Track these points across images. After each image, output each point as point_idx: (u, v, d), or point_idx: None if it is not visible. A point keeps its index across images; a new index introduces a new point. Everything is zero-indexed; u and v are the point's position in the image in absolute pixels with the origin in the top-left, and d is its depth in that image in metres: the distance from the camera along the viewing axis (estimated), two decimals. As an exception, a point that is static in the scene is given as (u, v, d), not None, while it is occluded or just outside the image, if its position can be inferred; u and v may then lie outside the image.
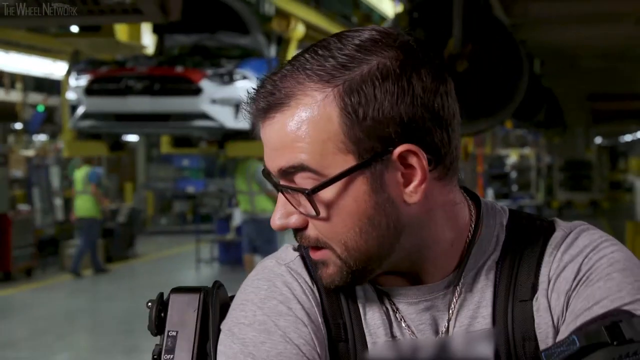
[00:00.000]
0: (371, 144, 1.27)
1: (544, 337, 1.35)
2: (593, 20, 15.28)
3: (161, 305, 1.45)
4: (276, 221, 1.32)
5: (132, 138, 21.83)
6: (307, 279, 1.43)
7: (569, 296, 1.34)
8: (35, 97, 22.54)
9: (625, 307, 1.29)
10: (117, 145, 11.48)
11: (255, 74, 10.15)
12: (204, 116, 9.84)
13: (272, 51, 10.58)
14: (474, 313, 1.39)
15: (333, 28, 11.53)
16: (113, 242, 16.95)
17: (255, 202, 11.64)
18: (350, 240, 1.31)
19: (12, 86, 23.19)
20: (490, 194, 19.43)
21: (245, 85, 10.01)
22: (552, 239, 1.40)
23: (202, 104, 9.80)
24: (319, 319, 1.41)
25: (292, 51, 10.52)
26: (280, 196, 1.32)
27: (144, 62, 10.26)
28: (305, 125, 1.26)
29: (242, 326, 1.39)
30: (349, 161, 1.27)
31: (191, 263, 15.91)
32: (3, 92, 22.36)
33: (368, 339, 1.41)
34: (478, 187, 17.45)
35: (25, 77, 22.50)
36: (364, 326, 1.42)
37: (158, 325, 1.46)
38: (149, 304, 1.45)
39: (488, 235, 1.42)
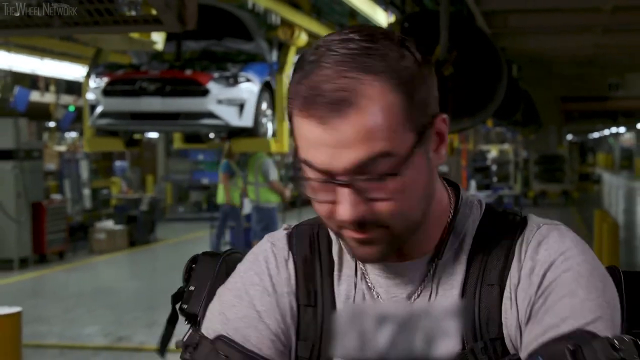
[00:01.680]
0: (422, 120, 1.28)
1: (509, 326, 1.33)
2: (565, 31, 15.26)
3: (193, 263, 1.55)
4: (351, 214, 1.25)
5: (152, 135, 21.81)
6: (285, 253, 1.46)
7: (534, 302, 1.30)
8: (66, 99, 22.49)
9: (588, 327, 1.26)
10: (132, 141, 11.42)
11: (257, 77, 10.12)
12: (211, 115, 9.80)
13: (274, 56, 10.56)
14: (445, 292, 1.37)
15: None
16: (136, 227, 16.94)
17: (260, 193, 11.63)
18: (413, 214, 1.31)
19: (47, 89, 23.17)
20: (473, 185, 19.43)
21: (248, 87, 9.99)
22: (524, 232, 1.37)
23: (209, 104, 9.75)
24: (287, 289, 1.43)
25: (292, 56, 10.49)
26: (346, 192, 1.25)
27: (156, 66, 10.24)
28: (376, 115, 1.23)
29: (226, 290, 1.45)
30: (411, 138, 1.26)
31: (205, 247, 15.91)
32: (39, 94, 22.33)
33: (338, 305, 1.41)
34: (462, 179, 17.46)
35: (58, 80, 22.48)
36: (336, 293, 1.41)
37: (187, 279, 1.55)
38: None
39: (464, 222, 1.40)
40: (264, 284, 1.44)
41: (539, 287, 1.31)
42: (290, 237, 1.48)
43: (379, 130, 1.23)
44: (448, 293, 1.37)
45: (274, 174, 11.57)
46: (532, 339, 1.29)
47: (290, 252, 1.46)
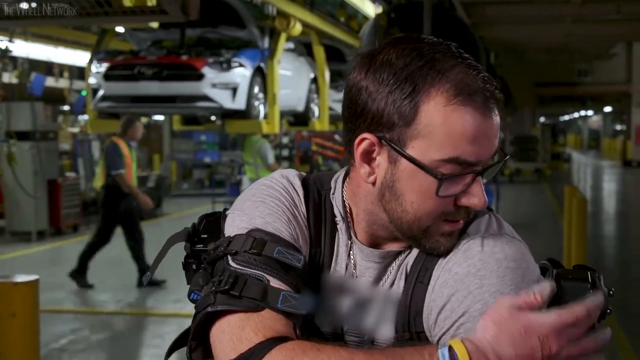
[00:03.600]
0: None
1: (424, 321, 1.33)
2: (538, 21, 15.24)
3: (201, 219, 1.51)
4: (483, 201, 1.29)
5: (158, 117, 21.75)
6: (301, 193, 1.44)
7: (442, 321, 1.29)
8: (79, 84, 22.42)
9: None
10: None
11: (249, 62, 10.05)
12: (206, 98, 9.73)
13: (266, 43, 10.48)
14: (398, 283, 1.39)
15: (324, 26, 11.47)
16: (144, 203, 16.91)
17: (260, 173, 11.61)
18: None
19: (61, 75, 23.08)
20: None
21: (241, 72, 9.92)
22: (461, 239, 1.34)
23: (204, 87, 9.68)
24: (302, 221, 1.41)
25: (283, 43, 10.43)
26: (479, 178, 1.29)
27: (154, 52, 10.17)
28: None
29: (242, 202, 1.42)
30: None
31: (208, 220, 15.90)
32: (53, 80, 22.25)
33: (333, 265, 1.43)
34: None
35: (72, 67, 22.39)
36: (334, 255, 1.43)
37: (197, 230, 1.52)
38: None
39: None
40: (286, 198, 1.41)
41: (444, 305, 1.29)
42: (304, 183, 1.46)
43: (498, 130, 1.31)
44: (400, 285, 1.38)
45: (271, 157, 11.53)
46: (440, 327, 1.29)
47: (304, 195, 1.44)
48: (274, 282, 1.28)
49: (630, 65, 32.32)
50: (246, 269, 1.29)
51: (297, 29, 10.37)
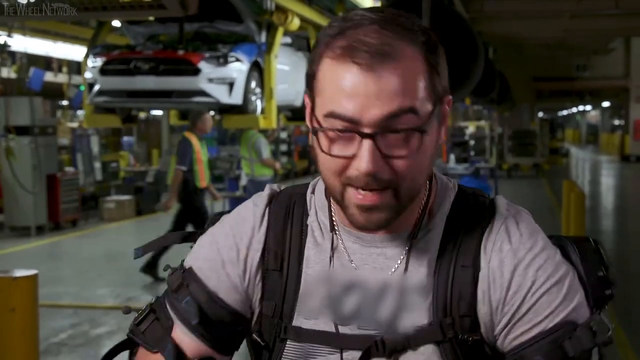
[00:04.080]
0: (438, 93, 1.28)
1: (482, 309, 1.32)
2: (536, 16, 15.24)
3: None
4: (370, 166, 1.21)
5: (157, 112, 21.72)
6: (261, 215, 1.43)
7: (510, 297, 1.30)
8: (78, 79, 22.40)
9: (569, 318, 1.28)
10: (129, 118, 11.26)
11: (246, 57, 10.00)
12: (202, 93, 9.63)
13: (263, 37, 10.42)
14: (418, 268, 1.34)
15: (322, 21, 11.45)
16: (143, 198, 16.92)
17: (255, 168, 11.59)
18: (419, 177, 1.29)
19: (60, 70, 23.06)
20: (452, 158, 19.42)
21: (237, 67, 9.86)
22: (494, 220, 1.35)
23: (200, 82, 9.58)
24: (256, 249, 1.41)
25: (280, 37, 10.39)
26: (369, 144, 1.21)
27: (150, 47, 10.12)
28: (412, 74, 1.23)
29: (209, 233, 1.47)
30: (431, 106, 1.26)
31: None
32: (52, 75, 22.24)
33: (305, 270, 1.38)
34: (443, 153, 17.45)
35: (70, 62, 22.36)
36: (305, 258, 1.38)
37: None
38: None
39: (440, 204, 1.38)
40: (235, 240, 1.42)
41: (510, 281, 1.30)
42: (271, 200, 1.45)
43: (411, 88, 1.23)
44: (421, 270, 1.33)
45: (266, 152, 11.51)
46: (518, 334, 1.29)
47: (266, 215, 1.43)
48: (177, 329, 1.40)
49: (629, 60, 32.33)
50: (167, 307, 1.42)
51: (295, 23, 10.34)
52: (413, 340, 1.31)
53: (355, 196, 1.25)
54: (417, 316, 1.32)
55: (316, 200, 1.42)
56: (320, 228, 1.39)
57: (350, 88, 1.21)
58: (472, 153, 25.12)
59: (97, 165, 18.10)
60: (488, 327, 1.32)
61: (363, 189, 1.24)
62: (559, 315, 1.28)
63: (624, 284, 9.08)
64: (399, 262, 1.34)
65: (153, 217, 16.48)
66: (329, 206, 1.39)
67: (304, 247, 1.39)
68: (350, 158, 1.23)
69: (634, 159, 33.22)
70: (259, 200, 1.46)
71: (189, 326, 1.39)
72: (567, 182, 9.52)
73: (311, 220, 1.40)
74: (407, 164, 1.24)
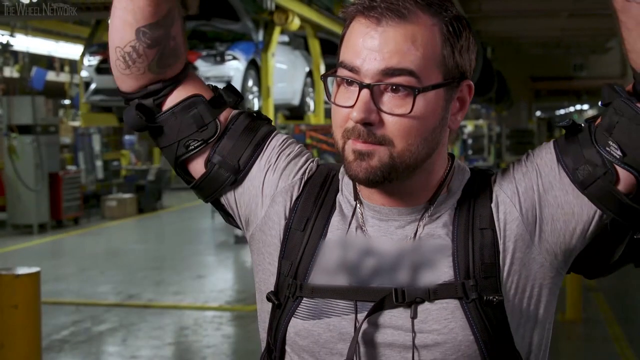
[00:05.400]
0: (454, 71, 1.31)
1: (513, 263, 1.33)
2: (534, 15, 15.23)
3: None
4: (362, 114, 1.26)
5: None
6: (308, 171, 1.46)
7: (532, 212, 1.33)
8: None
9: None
10: None
11: (243, 55, 9.93)
12: None
13: (260, 35, 10.36)
14: (435, 234, 1.35)
15: (321, 20, 11.45)
16: (144, 196, 16.93)
17: None
18: (414, 143, 1.30)
19: (62, 69, 23.04)
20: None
21: (234, 65, 9.79)
22: (496, 177, 1.40)
23: None
24: (293, 192, 1.44)
25: (277, 36, 10.34)
26: (364, 94, 1.26)
27: None
28: (420, 40, 1.27)
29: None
30: (439, 78, 1.29)
31: (207, 213, 15.92)
32: (54, 74, 22.21)
33: (329, 235, 1.39)
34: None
35: (72, 61, 22.32)
36: (330, 226, 1.40)
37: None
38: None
39: (457, 184, 1.40)
40: (298, 160, 1.47)
41: (516, 187, 1.35)
42: (317, 166, 1.48)
43: (415, 51, 1.26)
44: (440, 234, 1.35)
45: None
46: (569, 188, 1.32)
47: (310, 172, 1.46)
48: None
49: (626, 59, 32.31)
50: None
51: (296, 23, 10.33)
52: (434, 293, 1.31)
53: (352, 144, 1.30)
54: (438, 273, 1.32)
55: (345, 179, 1.45)
56: (346, 201, 1.42)
57: (359, 40, 1.28)
58: (470, 152, 25.15)
59: (99, 163, 18.11)
60: (534, 239, 1.33)
61: (358, 138, 1.29)
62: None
63: (618, 281, 9.08)
64: (415, 231, 1.36)
65: (154, 215, 16.50)
66: (354, 183, 1.42)
67: (331, 216, 1.41)
68: (351, 108, 1.28)
69: (631, 157, 33.19)
70: (313, 158, 1.50)
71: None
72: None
73: (339, 197, 1.43)
74: (400, 123, 1.27)
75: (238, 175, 1.44)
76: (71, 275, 9.63)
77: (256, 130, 1.46)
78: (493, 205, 1.35)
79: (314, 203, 1.42)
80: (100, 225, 15.13)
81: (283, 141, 1.47)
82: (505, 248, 1.33)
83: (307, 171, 1.45)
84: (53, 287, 8.92)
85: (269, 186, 1.44)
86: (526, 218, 1.33)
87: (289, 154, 1.46)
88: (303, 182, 1.44)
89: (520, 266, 1.33)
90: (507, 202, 1.34)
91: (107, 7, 6.26)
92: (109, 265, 10.79)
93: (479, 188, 1.39)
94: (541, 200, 1.33)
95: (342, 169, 1.46)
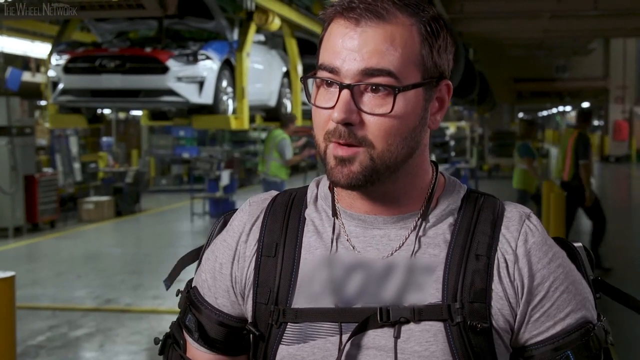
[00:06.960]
0: (433, 71, 1.33)
1: (497, 298, 1.33)
2: (516, 17, 15.30)
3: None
4: (341, 114, 1.27)
5: (137, 112, 21.63)
6: (258, 212, 1.46)
7: (531, 290, 1.33)
8: (56, 79, 22.25)
9: (587, 318, 1.35)
10: (96, 118, 10.98)
11: (217, 55, 9.81)
12: (171, 92, 9.39)
13: (235, 35, 10.25)
14: (427, 251, 1.35)
15: (301, 20, 11.41)
16: (122, 198, 16.86)
17: (270, 166, 11.24)
18: (393, 143, 1.30)
19: (38, 69, 22.90)
20: (432, 158, 19.49)
21: (208, 65, 9.65)
22: (507, 212, 1.38)
23: (169, 81, 9.35)
24: (251, 242, 1.44)
25: (252, 35, 10.25)
26: (345, 94, 1.27)
27: (117, 44, 9.91)
28: (399, 40, 1.28)
29: (211, 245, 1.52)
30: (418, 78, 1.31)
31: (186, 216, 15.88)
32: (30, 75, 22.08)
33: (304, 256, 1.39)
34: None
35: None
36: (303, 246, 1.40)
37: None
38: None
39: (450, 196, 1.39)
40: (228, 241, 1.46)
41: (536, 272, 1.34)
42: (274, 199, 1.48)
43: (394, 51, 1.28)
44: (431, 252, 1.34)
45: (289, 154, 11.22)
46: (543, 330, 1.33)
47: (263, 212, 1.45)
48: (190, 347, 1.48)
49: (608, 61, 32.56)
50: (180, 327, 1.50)
51: (276, 24, 10.29)
52: (419, 314, 1.31)
53: (333, 149, 1.30)
54: (425, 294, 1.32)
55: (319, 192, 1.45)
56: (321, 217, 1.41)
57: (338, 41, 1.29)
58: (452, 154, 25.22)
59: (76, 165, 18.02)
60: (505, 315, 1.33)
61: (339, 143, 1.29)
62: (577, 313, 1.34)
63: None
64: (403, 243, 1.36)
65: (132, 217, 16.43)
66: (332, 195, 1.41)
67: (302, 235, 1.41)
68: (332, 109, 1.29)
69: (614, 159, 33.42)
70: (256, 199, 1.49)
71: (196, 341, 1.46)
72: (547, 182, 9.56)
73: (309, 212, 1.43)
74: (381, 123, 1.28)
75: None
76: (47, 280, 9.56)
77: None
78: (501, 237, 1.36)
79: (280, 227, 1.43)
80: (77, 228, 15.04)
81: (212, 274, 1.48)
82: (501, 278, 1.34)
83: (251, 229, 1.46)
84: (29, 292, 8.86)
85: (234, 280, 1.46)
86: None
87: (221, 268, 1.47)
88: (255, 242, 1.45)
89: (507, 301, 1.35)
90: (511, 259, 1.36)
91: (83, 7, 6.23)
92: (86, 269, 10.73)
93: (481, 211, 1.38)
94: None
95: (313, 184, 1.47)
